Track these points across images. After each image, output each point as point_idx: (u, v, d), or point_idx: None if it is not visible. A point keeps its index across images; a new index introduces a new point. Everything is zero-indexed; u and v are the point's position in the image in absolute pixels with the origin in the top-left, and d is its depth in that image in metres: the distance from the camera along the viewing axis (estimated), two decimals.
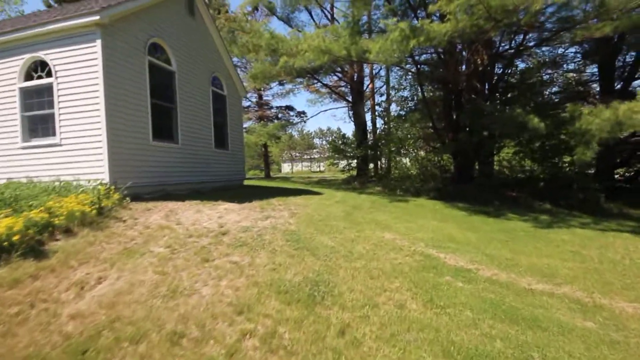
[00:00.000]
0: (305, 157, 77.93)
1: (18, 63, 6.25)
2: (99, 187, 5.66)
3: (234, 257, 3.93)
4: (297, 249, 4.43)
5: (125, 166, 6.19)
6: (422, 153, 15.51)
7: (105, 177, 5.81)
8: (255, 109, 22.44)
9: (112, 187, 5.74)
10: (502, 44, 12.00)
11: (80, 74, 5.90)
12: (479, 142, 11.63)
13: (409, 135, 13.74)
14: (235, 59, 22.66)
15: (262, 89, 21.80)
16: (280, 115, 22.72)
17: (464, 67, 13.73)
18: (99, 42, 5.76)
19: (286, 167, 78.19)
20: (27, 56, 6.18)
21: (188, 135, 8.22)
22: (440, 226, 7.21)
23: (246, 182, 13.91)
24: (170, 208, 5.87)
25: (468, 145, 12.08)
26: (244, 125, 23.04)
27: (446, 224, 7.56)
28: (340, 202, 9.12)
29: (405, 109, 13.85)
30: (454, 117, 13.92)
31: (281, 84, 20.62)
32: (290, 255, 4.18)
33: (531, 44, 11.05)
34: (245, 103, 23.41)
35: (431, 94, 14.26)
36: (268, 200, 7.74)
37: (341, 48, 8.81)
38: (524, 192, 11.53)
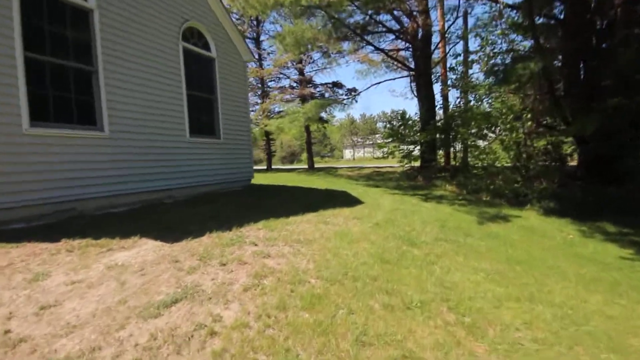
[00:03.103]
0: (368, 142, 73.15)
1: None
2: None
3: None
4: None
5: None
6: (516, 136, 10.38)
7: None
8: (295, 86, 18.95)
9: None
10: None
11: None
12: None
13: (502, 110, 8.87)
14: (269, 25, 19.19)
15: (302, 61, 18.17)
16: (326, 95, 18.97)
17: None
18: None
19: (348, 154, 74.55)
20: None
21: (128, 117, 5.11)
22: (623, 315, 2.93)
23: (260, 180, 10.68)
24: None
25: (621, 117, 6.94)
26: (281, 109, 19.91)
27: (635, 305, 3.21)
28: (382, 224, 5.22)
29: (496, 69, 8.95)
30: (583, 74, 8.65)
31: (325, 54, 16.74)
32: None
33: None
34: (284, 82, 20.19)
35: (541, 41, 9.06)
36: (242, 230, 4.27)
37: None
38: None
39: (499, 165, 9.77)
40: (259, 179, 11.28)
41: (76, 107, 4.51)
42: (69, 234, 3.68)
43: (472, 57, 11.93)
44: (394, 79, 19.24)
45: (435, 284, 3.22)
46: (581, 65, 8.79)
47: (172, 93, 5.93)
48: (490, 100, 9.71)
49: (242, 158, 7.85)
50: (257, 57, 19.77)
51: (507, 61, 9.29)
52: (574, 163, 10.38)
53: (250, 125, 11.26)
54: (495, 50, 9.41)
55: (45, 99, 4.18)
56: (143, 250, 3.39)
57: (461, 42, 13.38)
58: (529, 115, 8.28)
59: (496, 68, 8.28)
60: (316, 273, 3.20)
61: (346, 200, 7.32)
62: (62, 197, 4.28)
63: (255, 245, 3.80)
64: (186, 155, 6.20)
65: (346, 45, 14.67)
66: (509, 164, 9.84)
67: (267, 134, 20.38)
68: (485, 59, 10.20)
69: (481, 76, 12.78)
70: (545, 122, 8.47)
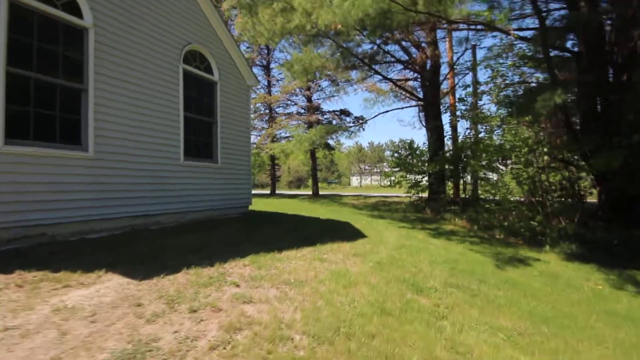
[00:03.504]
0: (376, 170, 73.23)
1: None
2: None
3: None
4: None
5: None
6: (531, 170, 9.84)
7: None
8: (303, 112, 18.96)
9: None
10: None
11: None
12: None
13: (516, 143, 8.44)
14: (279, 53, 19.62)
15: (310, 89, 18.28)
16: (334, 122, 18.89)
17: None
18: None
19: (355, 181, 74.44)
20: None
21: (116, 138, 4.84)
22: None
23: (260, 206, 10.24)
24: None
25: None
26: (287, 135, 19.86)
27: None
28: (385, 264, 4.68)
29: (510, 101, 8.63)
30: (600, 108, 8.26)
31: (333, 82, 16.83)
32: None
33: None
34: (292, 108, 20.30)
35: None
36: (225, 267, 3.80)
37: None
38: None
39: (512, 199, 9.22)
40: (259, 205, 10.88)
41: (60, 125, 4.25)
42: (28, 264, 3.27)
43: (482, 88, 11.73)
44: (402, 108, 19.11)
45: (446, 348, 2.66)
46: (597, 99, 8.43)
47: (168, 115, 5.70)
48: (500, 132, 9.32)
49: (240, 184, 7.49)
50: (266, 84, 20.07)
51: (520, 93, 9.00)
52: (591, 199, 9.78)
53: (253, 150, 11.01)
54: (507, 82, 9.17)
55: (26, 116, 3.93)
56: (104, 288, 2.93)
57: (470, 73, 13.26)
58: (545, 149, 7.84)
59: (509, 100, 7.96)
60: (302, 327, 2.68)
61: (348, 233, 6.81)
62: (34, 221, 3.91)
63: (237, 286, 3.32)
64: (178, 179, 5.86)
65: (354, 74, 14.71)
66: (522, 199, 9.28)
67: (273, 158, 20.24)
68: (496, 90, 9.94)
69: (492, 107, 12.53)
70: (561, 156, 8.00)
